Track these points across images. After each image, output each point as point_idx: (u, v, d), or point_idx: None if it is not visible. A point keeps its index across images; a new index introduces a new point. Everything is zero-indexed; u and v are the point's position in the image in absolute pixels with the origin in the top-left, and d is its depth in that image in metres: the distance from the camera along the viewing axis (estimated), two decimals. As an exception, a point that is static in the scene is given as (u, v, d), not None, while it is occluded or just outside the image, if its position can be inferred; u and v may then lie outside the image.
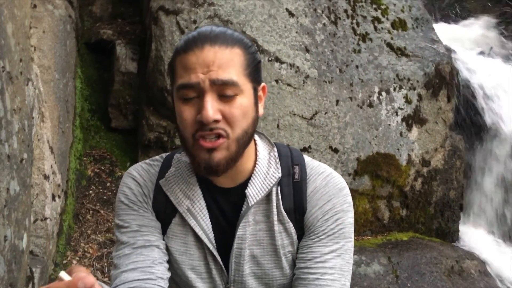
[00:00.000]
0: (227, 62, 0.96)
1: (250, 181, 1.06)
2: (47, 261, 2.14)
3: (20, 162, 1.87)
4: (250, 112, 1.01)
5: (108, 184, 3.10)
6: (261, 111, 1.07)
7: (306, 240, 1.07)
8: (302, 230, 1.08)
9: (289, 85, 3.29)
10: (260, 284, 1.09)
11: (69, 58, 2.99)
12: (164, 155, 1.17)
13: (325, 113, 3.42)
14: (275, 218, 1.07)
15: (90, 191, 3.01)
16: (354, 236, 3.62)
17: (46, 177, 2.24)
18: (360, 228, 3.59)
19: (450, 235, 3.85)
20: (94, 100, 3.45)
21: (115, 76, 3.32)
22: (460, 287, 3.23)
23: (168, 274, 1.07)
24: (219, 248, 1.08)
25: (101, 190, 3.04)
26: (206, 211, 1.08)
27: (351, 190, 3.72)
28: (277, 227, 1.07)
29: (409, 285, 3.11)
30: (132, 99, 3.36)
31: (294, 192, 1.07)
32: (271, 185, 1.06)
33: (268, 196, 1.07)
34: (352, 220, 1.08)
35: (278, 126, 3.26)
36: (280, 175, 1.07)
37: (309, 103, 3.35)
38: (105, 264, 2.49)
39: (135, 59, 3.36)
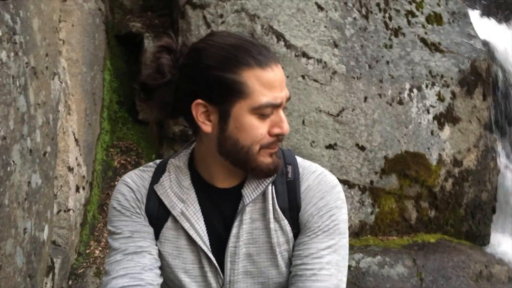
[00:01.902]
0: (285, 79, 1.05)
1: (246, 181, 1.09)
2: (69, 252, 2.20)
3: (43, 155, 1.92)
4: None
5: (134, 175, 3.15)
6: None
7: (302, 237, 1.09)
8: (297, 227, 1.11)
9: (315, 80, 3.24)
10: (255, 283, 1.10)
11: (98, 51, 3.04)
12: (158, 161, 1.19)
13: (353, 110, 3.35)
14: (271, 216, 1.09)
15: (116, 182, 3.07)
16: (379, 235, 3.52)
17: (70, 169, 2.30)
18: (386, 228, 3.52)
19: (480, 239, 3.72)
20: (122, 92, 3.50)
21: (143, 69, 3.36)
22: (488, 293, 3.12)
23: (159, 280, 1.08)
24: (214, 250, 1.10)
25: (126, 182, 3.09)
26: (200, 214, 1.10)
27: (377, 189, 3.65)
28: (273, 225, 1.09)
29: (433, 289, 3.03)
30: (159, 92, 3.39)
31: (288, 190, 1.10)
32: (266, 184, 1.09)
33: (264, 195, 1.10)
34: (346, 217, 1.11)
35: (303, 122, 3.21)
36: (274, 175, 1.10)
37: (336, 100, 3.29)
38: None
39: (162, 53, 3.38)
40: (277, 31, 3.16)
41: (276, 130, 1.01)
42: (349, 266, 3.04)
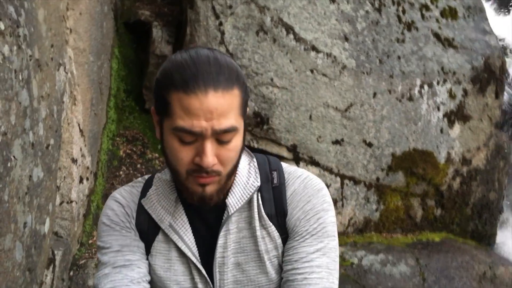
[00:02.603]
0: (228, 109, 0.96)
1: (230, 191, 1.08)
2: (70, 243, 2.21)
3: (46, 148, 1.91)
4: (240, 146, 1.03)
5: (139, 165, 3.16)
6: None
7: (291, 242, 1.09)
8: (285, 233, 1.10)
9: (324, 75, 3.19)
10: None
11: (105, 39, 3.02)
12: (146, 176, 1.20)
13: (361, 106, 3.30)
14: (257, 223, 1.09)
15: (121, 172, 3.07)
16: (383, 232, 3.50)
17: (74, 160, 2.30)
18: (390, 225, 3.49)
19: (486, 238, 3.69)
20: (130, 80, 3.49)
21: (150, 58, 3.34)
22: (491, 295, 3.10)
23: None
24: (203, 261, 1.10)
25: (131, 172, 3.10)
26: (189, 225, 1.10)
27: (383, 186, 3.62)
28: (259, 232, 1.09)
29: (436, 289, 3.02)
30: (166, 82, 3.37)
31: (274, 196, 1.10)
32: (250, 193, 1.08)
33: (249, 204, 1.10)
34: (333, 219, 1.10)
35: (310, 117, 3.18)
36: (259, 183, 1.10)
37: (344, 95, 3.24)
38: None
39: (170, 42, 3.35)
40: (287, 24, 3.11)
41: (197, 160, 0.96)
42: (351, 263, 3.03)
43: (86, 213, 2.52)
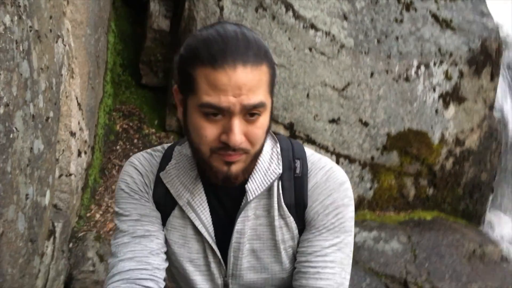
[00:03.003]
0: (257, 84, 0.92)
1: (250, 176, 1.06)
2: (70, 215, 2.23)
3: (46, 120, 1.91)
4: (268, 126, 1.00)
5: (135, 140, 3.16)
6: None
7: (307, 234, 1.08)
8: (303, 224, 1.09)
9: (322, 53, 3.19)
10: (258, 278, 1.11)
11: (102, 12, 2.98)
12: (165, 145, 1.17)
13: (358, 85, 3.31)
14: (276, 213, 1.07)
15: (118, 147, 3.07)
16: (377, 210, 3.55)
17: (73, 134, 2.29)
18: (383, 203, 3.55)
19: (476, 218, 3.76)
20: (126, 55, 3.46)
21: (148, 33, 3.30)
22: (480, 272, 3.18)
23: (165, 265, 1.09)
24: (219, 242, 1.09)
25: (128, 146, 3.10)
26: (207, 204, 1.08)
27: (378, 165, 3.66)
28: (277, 222, 1.07)
29: (426, 265, 3.09)
30: (163, 57, 3.35)
31: (295, 186, 1.07)
32: (271, 180, 1.06)
33: (269, 191, 1.08)
34: (352, 214, 1.09)
35: (308, 95, 3.19)
36: (280, 171, 1.07)
37: (342, 74, 3.25)
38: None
39: (168, 17, 3.31)
40: (286, 1, 3.09)
41: (223, 137, 0.92)
42: (345, 240, 3.08)
43: (84, 187, 2.53)
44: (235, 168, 0.96)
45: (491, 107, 3.73)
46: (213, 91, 0.90)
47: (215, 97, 0.90)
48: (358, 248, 3.09)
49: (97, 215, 2.57)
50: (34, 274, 1.76)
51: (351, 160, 3.41)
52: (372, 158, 3.46)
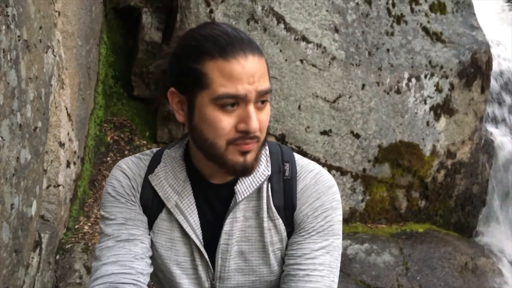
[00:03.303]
0: (264, 72, 0.97)
1: (239, 178, 1.06)
2: (57, 227, 2.20)
3: (34, 130, 1.90)
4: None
5: (126, 152, 3.14)
6: None
7: (296, 237, 1.08)
8: (291, 227, 1.09)
9: (314, 65, 3.20)
10: (246, 280, 1.10)
11: (94, 24, 2.99)
12: (154, 150, 1.17)
13: (349, 97, 3.33)
14: (265, 214, 1.08)
15: (108, 158, 3.06)
16: (369, 223, 3.54)
17: (62, 144, 2.28)
18: (376, 215, 3.54)
19: (469, 230, 3.76)
20: (118, 67, 3.46)
21: (140, 44, 3.31)
22: (472, 285, 3.17)
23: (150, 270, 1.08)
24: (206, 244, 1.09)
25: (118, 158, 3.08)
26: (195, 207, 1.08)
27: (370, 177, 3.66)
28: (266, 223, 1.08)
29: (418, 278, 3.07)
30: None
31: (284, 189, 1.08)
32: (260, 182, 1.06)
33: (259, 193, 1.08)
34: (340, 218, 1.10)
35: (299, 107, 3.19)
36: (269, 172, 1.08)
37: (333, 86, 3.26)
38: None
39: (160, 29, 3.33)
40: (278, 13, 3.11)
41: (242, 126, 0.94)
42: (337, 252, 3.07)
43: (73, 198, 2.51)
44: (250, 157, 0.99)
45: (482, 119, 3.75)
46: (229, 82, 0.93)
47: (232, 87, 0.93)
48: (349, 261, 3.08)
49: (86, 227, 2.54)
50: (19, 286, 1.73)
51: (342, 172, 3.41)
52: (364, 170, 3.46)
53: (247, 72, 0.93)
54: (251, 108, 0.94)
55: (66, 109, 2.41)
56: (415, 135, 3.55)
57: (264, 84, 0.95)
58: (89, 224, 2.57)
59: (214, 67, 0.93)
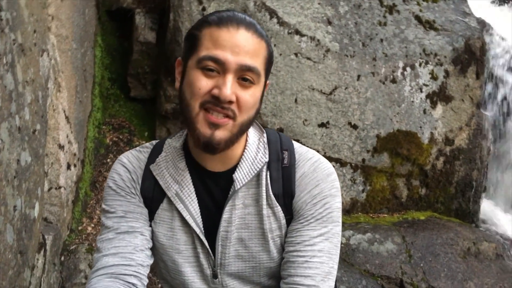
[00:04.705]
0: (256, 50, 0.99)
1: (238, 165, 1.08)
2: (60, 228, 2.22)
3: (33, 133, 1.91)
4: (257, 103, 1.04)
5: (126, 153, 3.15)
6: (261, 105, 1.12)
7: (295, 224, 1.09)
8: (290, 214, 1.11)
9: (308, 58, 3.22)
10: (246, 267, 1.12)
11: (88, 27, 3.00)
12: (154, 142, 1.19)
13: (345, 88, 3.34)
14: (264, 202, 1.09)
15: (108, 160, 3.07)
16: (370, 213, 3.55)
17: (61, 146, 2.30)
18: (377, 205, 3.56)
19: (470, 216, 3.77)
20: (114, 69, 3.47)
21: (134, 45, 3.32)
22: (475, 269, 3.18)
23: (150, 262, 1.09)
24: (207, 232, 1.11)
25: (118, 159, 3.09)
26: (195, 195, 1.09)
27: (369, 167, 3.68)
28: (265, 211, 1.09)
29: (422, 265, 3.09)
30: (150, 69, 3.37)
31: (283, 176, 1.10)
32: (258, 169, 1.08)
33: (258, 181, 1.09)
34: (339, 205, 1.11)
35: (296, 100, 3.21)
36: (267, 159, 1.09)
37: (329, 78, 3.28)
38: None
39: (154, 29, 3.34)
40: (270, 8, 3.13)
41: (215, 91, 0.96)
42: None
43: (75, 200, 2.52)
44: (219, 133, 0.98)
45: (478, 105, 3.77)
46: (213, 46, 0.97)
47: (214, 51, 0.97)
48: (353, 251, 3.09)
49: (89, 228, 2.56)
50: (25, 287, 1.74)
51: (342, 163, 3.42)
52: (363, 160, 3.47)
53: (234, 42, 0.96)
54: (229, 77, 0.96)
55: (64, 111, 2.43)
56: (413, 123, 3.57)
57: (250, 61, 0.97)
58: (92, 225, 2.58)
59: (207, 32, 0.98)
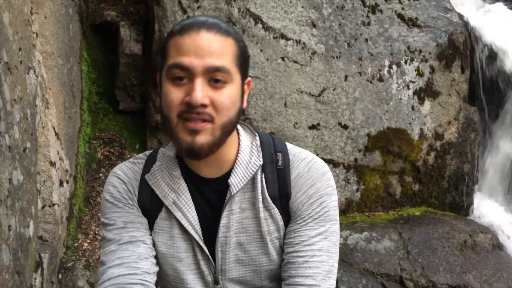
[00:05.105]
0: (221, 49, 0.98)
1: (232, 170, 1.08)
2: (56, 246, 2.20)
3: (23, 151, 1.90)
4: (237, 102, 1.03)
5: (118, 166, 3.13)
6: (245, 103, 1.10)
7: (293, 224, 1.09)
8: (288, 215, 1.11)
9: (295, 62, 3.23)
10: (247, 271, 1.11)
11: (73, 42, 2.99)
12: (147, 152, 1.18)
13: (334, 89, 3.36)
14: (261, 205, 1.09)
15: (100, 174, 3.05)
16: (366, 212, 3.56)
17: (52, 163, 2.28)
18: (372, 204, 3.57)
19: (464, 209, 3.80)
20: (101, 83, 3.46)
21: (120, 58, 3.31)
22: (473, 261, 3.20)
23: (155, 269, 1.09)
24: (206, 239, 1.10)
25: (111, 173, 3.07)
26: (192, 203, 1.09)
27: (361, 166, 3.69)
28: (262, 213, 1.09)
29: (420, 260, 3.10)
30: (138, 81, 3.36)
31: (278, 178, 1.09)
32: (253, 172, 1.08)
33: (253, 184, 1.09)
34: (336, 203, 1.11)
35: (285, 104, 3.22)
36: (261, 162, 1.09)
37: (316, 80, 3.29)
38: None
39: (139, 41, 3.34)
40: (254, 14, 3.14)
41: (187, 99, 0.96)
42: (337, 244, 3.08)
43: (69, 217, 2.50)
44: (200, 139, 0.98)
45: (465, 99, 3.81)
46: (178, 53, 0.98)
47: (179, 58, 0.97)
48: (351, 250, 3.10)
49: (85, 244, 2.53)
50: (24, 308, 1.72)
51: (335, 164, 3.43)
52: (356, 160, 3.49)
53: (196, 45, 0.96)
54: (197, 81, 0.96)
55: (54, 128, 2.41)
56: (402, 120, 3.60)
57: (216, 61, 0.97)
58: (88, 241, 2.56)
59: (172, 42, 1.00)
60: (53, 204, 2.21)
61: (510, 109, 3.88)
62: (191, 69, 0.96)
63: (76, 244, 2.50)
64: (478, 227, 3.50)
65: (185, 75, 0.97)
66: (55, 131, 2.41)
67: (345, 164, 3.46)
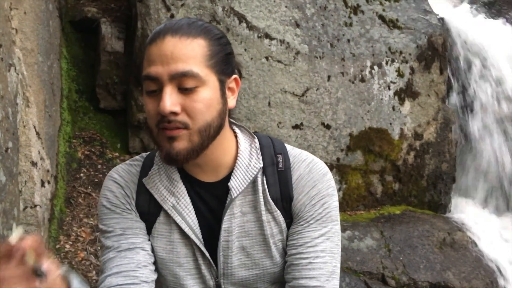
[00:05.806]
0: (186, 53, 0.95)
1: (232, 174, 1.06)
2: (39, 248, 2.14)
3: (5, 151, 1.84)
4: (215, 105, 0.99)
5: (99, 166, 3.08)
6: (232, 103, 1.07)
7: (296, 226, 1.09)
8: (290, 217, 1.10)
9: (279, 61, 3.24)
10: (250, 274, 1.10)
11: (53, 39, 2.92)
12: (144, 154, 1.16)
13: (317, 89, 3.38)
14: (263, 208, 1.08)
15: (81, 174, 2.99)
16: (348, 211, 3.59)
17: (34, 163, 2.22)
18: (353, 203, 3.61)
19: (442, 208, 3.88)
20: (81, 80, 3.39)
21: (101, 56, 3.25)
22: (452, 259, 3.27)
23: (154, 277, 1.07)
24: (207, 243, 1.08)
25: (92, 173, 3.02)
26: (192, 207, 1.07)
27: (344, 166, 3.71)
28: (265, 216, 1.08)
29: (401, 258, 3.15)
30: (120, 79, 3.30)
31: (279, 180, 1.09)
32: (253, 175, 1.06)
33: (254, 187, 1.08)
34: (337, 204, 1.11)
35: (269, 103, 3.22)
36: (261, 165, 1.07)
37: (300, 80, 3.31)
38: (99, 247, 2.49)
39: (121, 38, 3.28)
40: (239, 13, 3.13)
41: (159, 109, 0.95)
42: (321, 243, 3.11)
43: (50, 218, 2.43)
44: (177, 145, 0.97)
45: (444, 99, 3.89)
46: (148, 64, 0.97)
47: (147, 69, 0.96)
48: (334, 249, 3.12)
49: (67, 246, 2.48)
50: (7, 313, 1.67)
51: (317, 163, 3.46)
52: (338, 159, 3.52)
53: (161, 53, 0.95)
54: (166, 90, 0.94)
55: (35, 127, 2.34)
56: (383, 120, 3.64)
57: (182, 66, 0.94)
58: (70, 242, 2.50)
59: (145, 54, 0.99)
60: (35, 206, 2.15)
61: (486, 109, 3.98)
62: (158, 78, 0.94)
63: (58, 246, 2.44)
64: (456, 225, 3.58)
65: (156, 86, 0.96)
66: (36, 130, 2.35)
67: (328, 164, 3.48)
